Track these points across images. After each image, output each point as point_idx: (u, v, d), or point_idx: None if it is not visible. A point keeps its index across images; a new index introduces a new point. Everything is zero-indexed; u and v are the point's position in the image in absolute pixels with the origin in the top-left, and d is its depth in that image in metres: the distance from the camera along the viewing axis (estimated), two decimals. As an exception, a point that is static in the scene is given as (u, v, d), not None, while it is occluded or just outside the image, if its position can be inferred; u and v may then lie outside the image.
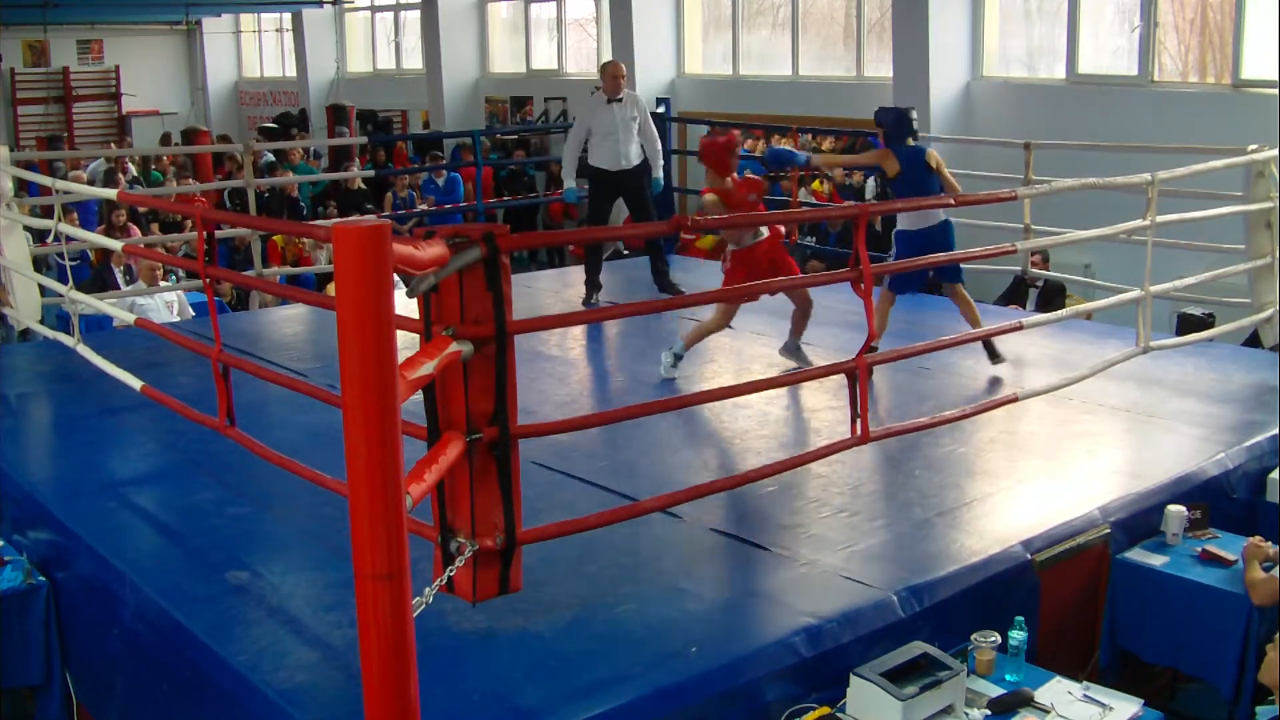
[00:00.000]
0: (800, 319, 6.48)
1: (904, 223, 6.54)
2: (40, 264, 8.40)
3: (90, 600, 4.45)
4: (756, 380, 5.09)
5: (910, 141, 6.57)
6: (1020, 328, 5.56)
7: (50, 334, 6.63)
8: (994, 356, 6.40)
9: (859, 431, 4.36)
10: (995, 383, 6.26)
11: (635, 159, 8.19)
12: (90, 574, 4.41)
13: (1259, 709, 3.72)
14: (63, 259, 6.73)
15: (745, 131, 13.87)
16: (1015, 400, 5.15)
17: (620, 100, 8.11)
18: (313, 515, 4.47)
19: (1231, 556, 4.53)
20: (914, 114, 6.71)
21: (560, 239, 13.02)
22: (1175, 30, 11.08)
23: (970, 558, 4.25)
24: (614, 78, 8.14)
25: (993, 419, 5.48)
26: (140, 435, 5.60)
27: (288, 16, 22.12)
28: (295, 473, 4.02)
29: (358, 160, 16.22)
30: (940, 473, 5.12)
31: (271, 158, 15.12)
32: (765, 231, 6.20)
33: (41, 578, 4.66)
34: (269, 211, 12.67)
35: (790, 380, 5.40)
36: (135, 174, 15.45)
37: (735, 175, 6.39)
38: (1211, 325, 7.34)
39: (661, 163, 8.50)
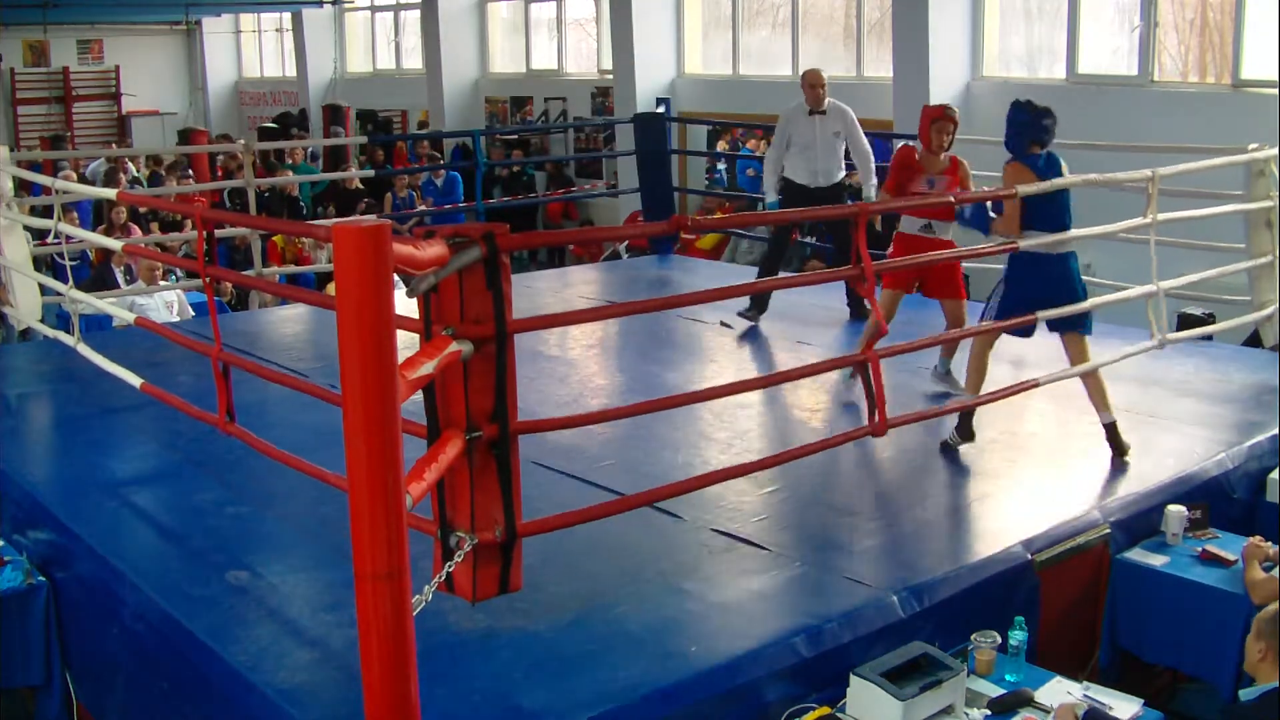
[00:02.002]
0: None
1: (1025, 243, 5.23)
2: (40, 263, 8.40)
3: (90, 600, 4.45)
4: (757, 379, 5.12)
5: (1037, 149, 5.36)
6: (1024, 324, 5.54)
7: (50, 333, 6.63)
8: (963, 432, 5.34)
9: (876, 420, 4.37)
10: (996, 383, 6.24)
11: (835, 176, 7.67)
12: (90, 574, 4.41)
13: (1241, 691, 3.73)
14: (62, 259, 6.73)
15: (746, 131, 13.90)
16: (1036, 385, 5.15)
17: (823, 113, 7.58)
18: (313, 515, 4.47)
19: (1231, 556, 4.53)
20: (1046, 118, 5.43)
21: (560, 239, 13.01)
22: (1175, 30, 11.07)
23: (970, 558, 4.26)
24: (811, 87, 7.62)
25: (993, 419, 5.49)
26: (140, 435, 5.60)
27: (288, 16, 22.09)
28: (296, 469, 4.01)
29: (356, 160, 16.22)
30: (940, 473, 5.13)
31: (255, 159, 15.05)
32: (936, 230, 6.17)
33: (41, 578, 4.66)
34: (269, 211, 12.67)
35: (799, 375, 5.39)
36: (135, 174, 15.43)
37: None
38: (1211, 324, 7.34)
39: (874, 181, 7.62)
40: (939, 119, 6.39)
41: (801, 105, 7.69)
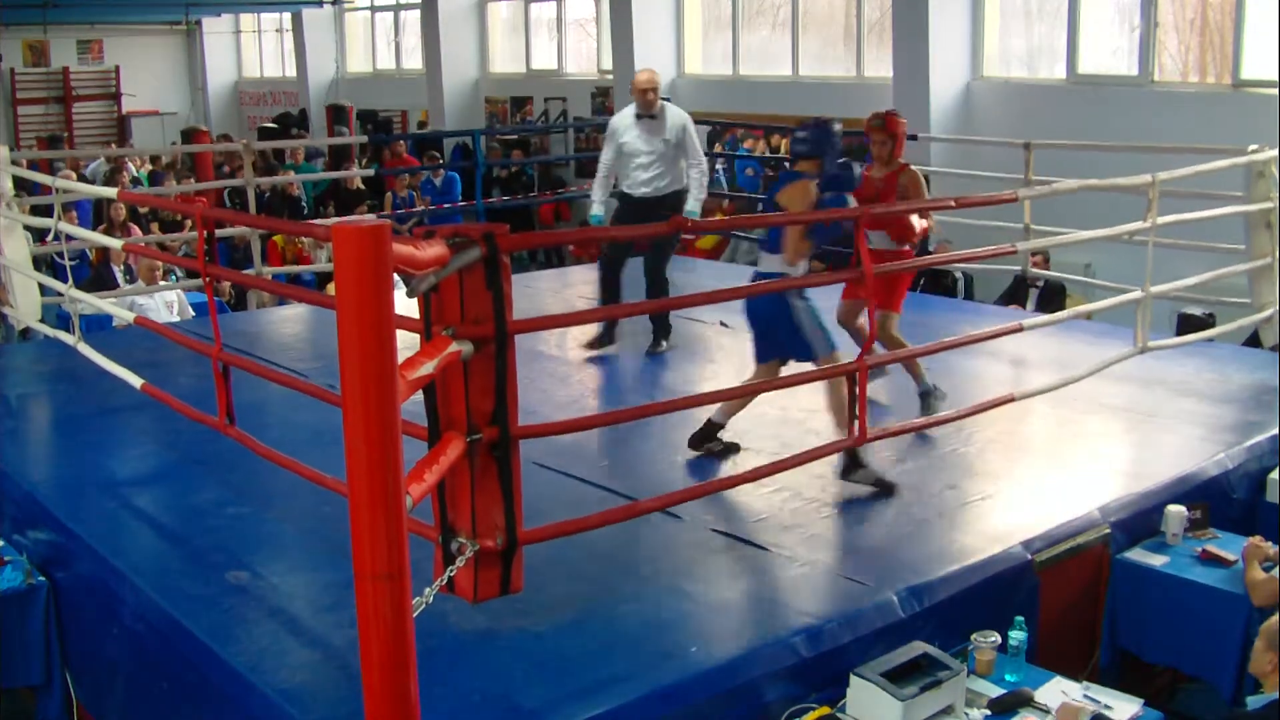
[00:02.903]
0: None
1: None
2: (40, 263, 8.40)
3: (90, 600, 4.45)
4: (757, 381, 5.11)
5: (806, 165, 5.06)
6: (1021, 329, 5.55)
7: (50, 333, 6.63)
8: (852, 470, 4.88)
9: (856, 432, 4.37)
10: (996, 383, 6.25)
11: (664, 188, 7.08)
12: (90, 574, 4.41)
13: (1249, 698, 3.73)
14: (62, 258, 6.73)
15: (745, 131, 13.90)
16: (1012, 400, 5.13)
17: (653, 118, 6.99)
18: (313, 515, 4.47)
19: (1231, 556, 4.53)
20: (800, 131, 5.12)
21: (561, 239, 13.00)
22: (1175, 30, 11.07)
23: (970, 558, 4.26)
24: (641, 91, 6.99)
25: (993, 419, 5.48)
26: (140, 435, 5.60)
27: (288, 16, 22.10)
28: (295, 472, 4.02)
29: (359, 161, 16.22)
30: (940, 473, 5.12)
31: (256, 159, 15.07)
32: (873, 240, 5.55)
33: (41, 578, 4.66)
34: (270, 211, 12.67)
35: (790, 381, 5.39)
36: (135, 174, 15.44)
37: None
38: (1211, 325, 7.35)
39: (702, 194, 7.15)
40: (867, 130, 6.03)
41: (631, 110, 7.09)
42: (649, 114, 7.01)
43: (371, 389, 2.31)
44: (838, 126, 5.13)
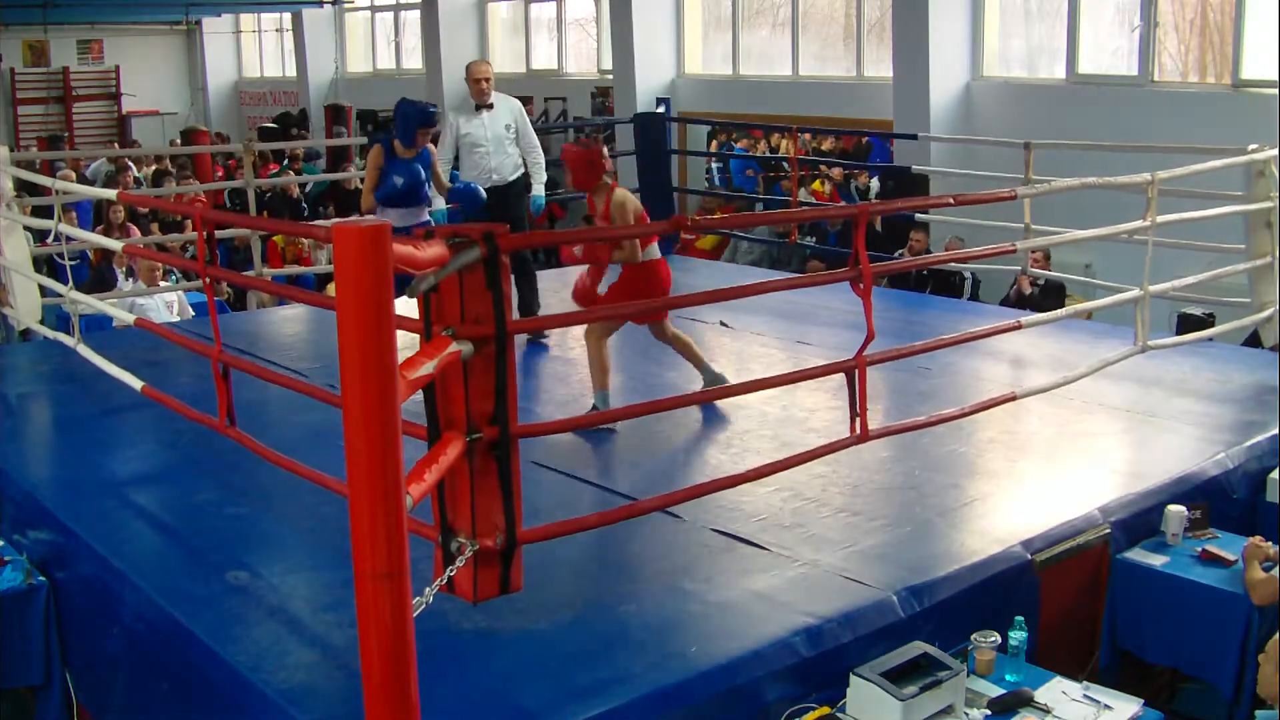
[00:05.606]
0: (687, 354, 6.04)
1: None
2: (40, 264, 8.40)
3: (90, 600, 4.45)
4: (756, 380, 5.11)
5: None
6: (1019, 327, 5.56)
7: (50, 334, 6.63)
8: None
9: (859, 430, 4.36)
10: (996, 383, 6.25)
11: (509, 174, 7.31)
12: (90, 574, 4.41)
13: (1259, 713, 3.73)
14: (62, 259, 6.73)
15: (744, 131, 13.90)
16: (1014, 399, 5.12)
17: (490, 107, 7.22)
18: (313, 515, 4.47)
19: (1231, 556, 4.53)
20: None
21: (562, 239, 13.02)
22: (1175, 30, 11.07)
23: (970, 558, 4.26)
24: (475, 81, 7.18)
25: (993, 419, 5.48)
26: (140, 435, 5.60)
27: (288, 16, 22.11)
28: (295, 472, 4.02)
29: (357, 160, 16.22)
30: (940, 473, 5.12)
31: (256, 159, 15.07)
32: (657, 251, 5.78)
33: (41, 578, 4.66)
34: (271, 212, 12.67)
35: (790, 380, 5.39)
36: (136, 174, 15.44)
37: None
38: (1211, 325, 7.34)
39: (543, 177, 7.49)
40: None
41: (468, 102, 7.29)
42: (486, 103, 7.20)
43: (371, 389, 2.31)
44: (430, 110, 6.68)
